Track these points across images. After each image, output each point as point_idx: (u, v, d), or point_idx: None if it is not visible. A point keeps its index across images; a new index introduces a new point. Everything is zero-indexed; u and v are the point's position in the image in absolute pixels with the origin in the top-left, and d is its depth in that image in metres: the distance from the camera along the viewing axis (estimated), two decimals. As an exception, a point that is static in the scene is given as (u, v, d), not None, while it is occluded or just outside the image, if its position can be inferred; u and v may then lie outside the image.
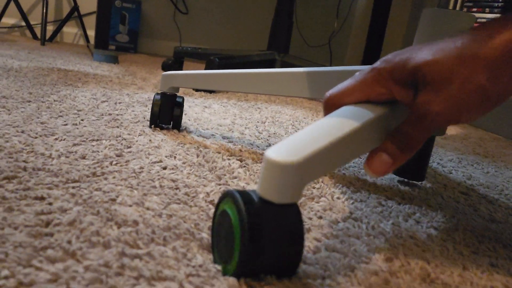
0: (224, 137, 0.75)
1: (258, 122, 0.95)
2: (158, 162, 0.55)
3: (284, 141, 0.32)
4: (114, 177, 0.47)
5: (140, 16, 2.44)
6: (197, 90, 1.31)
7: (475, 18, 0.56)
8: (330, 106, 0.39)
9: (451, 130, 1.38)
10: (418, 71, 0.34)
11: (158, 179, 0.49)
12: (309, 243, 0.39)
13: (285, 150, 0.31)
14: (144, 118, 0.80)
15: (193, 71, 0.70)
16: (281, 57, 1.57)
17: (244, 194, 0.31)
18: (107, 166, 0.50)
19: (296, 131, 0.92)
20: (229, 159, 0.62)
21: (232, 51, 1.64)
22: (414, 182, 0.66)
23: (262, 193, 0.30)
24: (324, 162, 0.33)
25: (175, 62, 1.70)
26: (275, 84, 0.65)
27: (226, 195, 0.32)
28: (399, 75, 0.35)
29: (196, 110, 0.97)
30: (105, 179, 0.47)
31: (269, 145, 0.76)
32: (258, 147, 0.72)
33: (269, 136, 0.82)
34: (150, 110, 0.90)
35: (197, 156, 0.61)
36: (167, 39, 2.58)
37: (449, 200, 0.60)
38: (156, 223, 0.38)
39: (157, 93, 0.72)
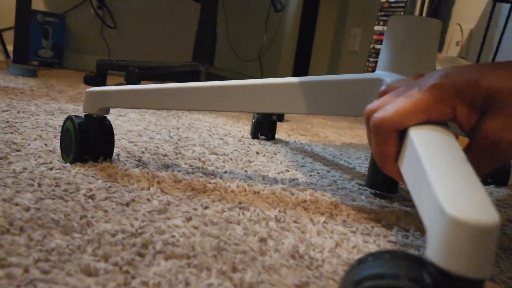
0: (130, 142, 0.74)
1: (172, 128, 0.94)
2: (46, 163, 0.53)
3: (452, 187, 0.25)
4: (-12, 177, 0.45)
5: (65, 31, 2.36)
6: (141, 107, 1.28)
7: (441, 23, 0.55)
8: (387, 130, 0.34)
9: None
10: (493, 94, 0.31)
11: (40, 178, 0.47)
12: (185, 230, 0.39)
13: (468, 203, 0.24)
14: (46, 124, 0.77)
15: (126, 86, 0.56)
16: (206, 68, 1.58)
17: None
18: (-16, 168, 0.48)
19: (211, 136, 0.92)
20: (126, 160, 0.61)
21: (157, 62, 1.63)
22: (388, 194, 0.63)
23: (444, 265, 0.22)
24: None
25: (98, 75, 1.66)
26: (228, 100, 0.54)
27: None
28: (469, 96, 0.32)
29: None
30: (-22, 179, 0.44)
31: (177, 147, 0.75)
32: (164, 149, 0.71)
33: (179, 140, 0.82)
34: (56, 119, 0.87)
35: (92, 157, 0.59)
36: (95, 53, 2.52)
37: (344, 189, 0.62)
38: (19, 216, 0.36)
39: (75, 116, 0.55)
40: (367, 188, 0.64)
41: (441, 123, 0.33)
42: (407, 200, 0.62)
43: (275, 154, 0.82)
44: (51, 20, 2.27)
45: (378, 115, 0.34)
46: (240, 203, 0.49)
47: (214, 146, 0.81)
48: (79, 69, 2.44)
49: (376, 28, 2.13)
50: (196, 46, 1.62)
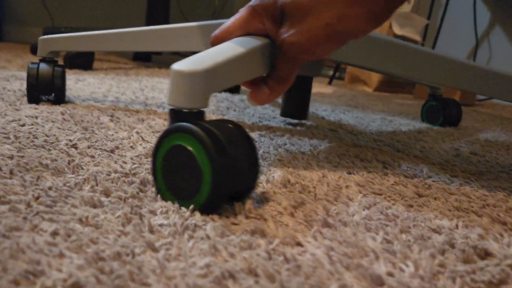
0: (97, 102, 0.72)
1: (136, 89, 0.92)
2: (15, 120, 0.51)
3: (188, 58, 0.34)
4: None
5: (2, 2, 2.21)
6: (71, 68, 1.23)
7: None
8: (217, 44, 0.41)
9: (329, 91, 1.47)
10: (283, 7, 0.37)
11: (14, 133, 0.45)
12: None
13: (190, 63, 0.32)
14: (4, 88, 0.73)
15: (76, 33, 0.67)
16: (162, 32, 1.54)
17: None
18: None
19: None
20: (98, 115, 0.59)
21: (108, 28, 1.57)
22: (299, 120, 0.72)
23: (172, 103, 0.32)
24: (224, 75, 0.35)
25: (47, 44, 1.57)
26: (153, 41, 0.65)
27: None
28: (271, 12, 0.39)
29: (68, 84, 0.91)
30: None
31: (146, 105, 0.74)
32: (134, 107, 0.70)
33: (146, 99, 0.80)
34: (12, 84, 0.83)
35: (62, 114, 0.57)
36: (37, 24, 2.38)
37: (319, 135, 0.64)
38: (4, 163, 0.35)
39: (32, 62, 0.66)
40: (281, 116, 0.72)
41: (262, 35, 0.40)
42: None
43: (245, 108, 0.83)
44: (-13, -11, 2.12)
45: (212, 34, 0.42)
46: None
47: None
48: (23, 42, 2.30)
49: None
50: (149, 10, 1.57)
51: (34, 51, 1.59)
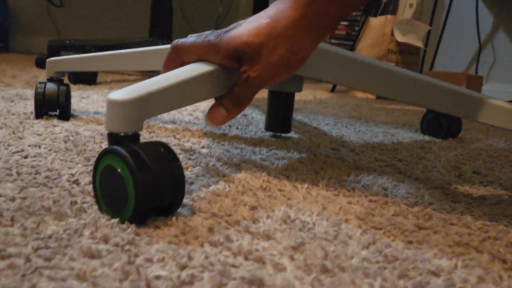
0: (99, 124, 0.72)
1: (139, 107, 0.92)
2: (19, 152, 0.52)
3: (126, 87, 0.38)
4: (-38, 170, 0.43)
5: (8, 12, 2.23)
6: (75, 83, 1.24)
7: None
8: (175, 55, 0.47)
9: (332, 100, 1.47)
10: (237, 50, 0.42)
11: (16, 167, 0.46)
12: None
13: (125, 92, 0.37)
14: (9, 112, 0.74)
15: (77, 55, 0.74)
16: (164, 43, 1.55)
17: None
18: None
19: (180, 113, 0.91)
20: (101, 142, 0.60)
21: (112, 40, 1.58)
22: (283, 134, 0.76)
23: (109, 129, 0.36)
24: (159, 101, 0.40)
25: (50, 57, 1.58)
26: (154, 61, 0.69)
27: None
28: (225, 52, 0.43)
29: (73, 101, 0.91)
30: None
31: (148, 126, 0.74)
32: (136, 128, 0.70)
33: (148, 119, 0.81)
34: (17, 105, 0.84)
35: (65, 142, 0.58)
36: (43, 35, 2.40)
37: (320, 156, 0.64)
38: (6, 207, 0.35)
39: (40, 82, 0.72)
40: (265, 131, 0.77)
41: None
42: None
43: (247, 126, 0.83)
44: (-8, 1, 2.14)
45: (176, 41, 0.46)
46: (224, 175, 0.50)
47: (186, 122, 0.80)
48: (29, 52, 2.32)
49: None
50: (152, 21, 1.58)
51: (39, 64, 1.60)
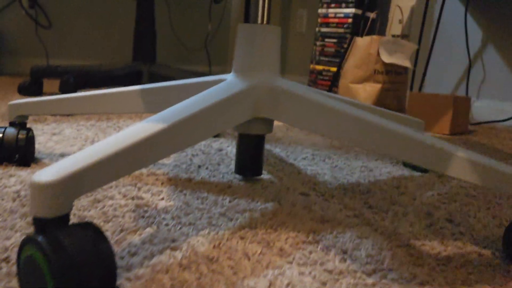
0: (61, 170, 0.70)
1: (110, 144, 0.90)
2: (-41, 216, 0.49)
3: (52, 165, 0.36)
4: None
5: (-5, 35, 2.22)
6: (53, 114, 1.22)
7: (280, 29, 0.62)
8: None
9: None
10: None
11: None
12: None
13: (51, 171, 0.35)
14: (-33, 159, 0.72)
15: (39, 98, 0.72)
16: (148, 67, 1.53)
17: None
18: None
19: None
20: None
21: (95, 66, 1.56)
22: (255, 177, 0.74)
23: (34, 213, 0.34)
24: (95, 176, 0.37)
25: (33, 83, 1.57)
26: (116, 103, 0.71)
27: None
28: None
29: (41, 140, 0.89)
30: None
31: (112, 171, 0.72)
32: (98, 176, 0.68)
33: (116, 160, 0.78)
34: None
35: (13, 200, 0.55)
36: (31, 56, 2.39)
37: (286, 205, 0.61)
38: None
39: (1, 127, 0.71)
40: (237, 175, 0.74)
41: None
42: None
43: (218, 165, 0.80)
44: (-21, 24, 2.13)
45: None
46: (173, 240, 0.47)
47: (155, 163, 0.77)
48: (17, 74, 2.31)
49: (320, 11, 2.12)
50: (135, 45, 1.56)
51: (21, 91, 1.58)
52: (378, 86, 1.50)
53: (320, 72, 2.10)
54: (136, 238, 0.47)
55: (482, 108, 1.79)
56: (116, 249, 0.44)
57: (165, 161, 0.80)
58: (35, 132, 0.96)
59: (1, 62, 2.33)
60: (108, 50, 2.55)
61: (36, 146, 0.84)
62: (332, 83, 1.49)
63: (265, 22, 0.65)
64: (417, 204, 0.66)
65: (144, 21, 1.55)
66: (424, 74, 1.77)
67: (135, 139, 0.41)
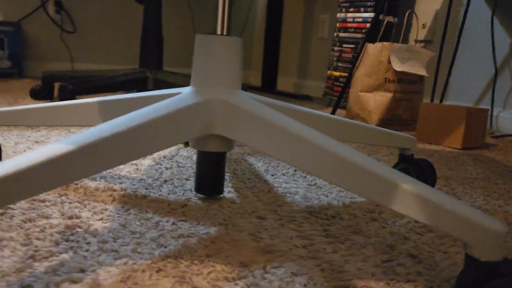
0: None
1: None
2: None
3: None
4: None
5: (22, 39, 2.29)
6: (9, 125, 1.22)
7: (241, 40, 0.60)
8: None
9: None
10: None
11: None
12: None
13: None
14: None
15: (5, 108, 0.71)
16: (153, 74, 1.52)
17: None
18: None
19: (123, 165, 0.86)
20: (-14, 216, 0.55)
21: (102, 71, 1.56)
22: (215, 196, 0.69)
23: None
24: (8, 190, 0.35)
25: (44, 88, 1.60)
26: (73, 116, 0.70)
27: None
28: None
29: (19, 148, 0.89)
30: None
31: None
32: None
33: (80, 172, 0.76)
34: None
35: None
36: (56, 60, 2.46)
37: (231, 231, 0.56)
38: None
39: None
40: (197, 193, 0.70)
41: None
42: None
43: (186, 180, 0.77)
44: (6, 29, 2.21)
45: None
46: (81, 270, 0.44)
47: (119, 177, 0.75)
48: (40, 78, 2.38)
49: (338, 15, 2.04)
50: (142, 52, 1.56)
51: (32, 95, 1.61)
52: (389, 95, 1.41)
53: (337, 79, 2.03)
54: (42, 266, 0.44)
55: (509, 120, 1.66)
56: (11, 279, 0.42)
57: (133, 174, 0.77)
58: (19, 140, 0.96)
59: (27, 66, 2.41)
60: (129, 56, 2.58)
61: (12, 154, 0.84)
62: (342, 92, 1.42)
63: (224, 33, 0.61)
64: (384, 234, 0.60)
65: (151, 27, 1.55)
66: (446, 83, 1.66)
67: (59, 152, 0.39)
